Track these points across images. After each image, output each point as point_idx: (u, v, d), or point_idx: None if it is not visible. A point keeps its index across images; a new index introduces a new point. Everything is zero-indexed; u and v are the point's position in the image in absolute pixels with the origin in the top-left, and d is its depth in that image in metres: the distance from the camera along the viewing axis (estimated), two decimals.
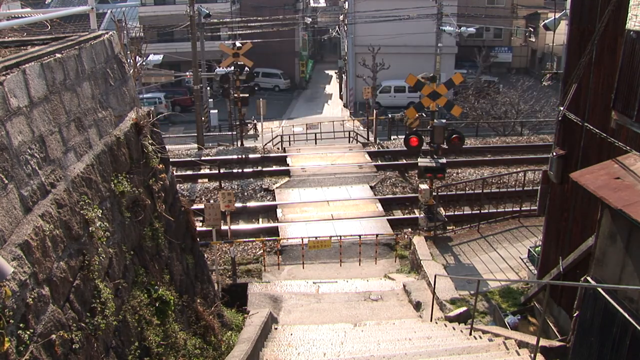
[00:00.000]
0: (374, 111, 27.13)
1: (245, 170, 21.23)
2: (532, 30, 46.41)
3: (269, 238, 15.65)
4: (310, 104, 42.82)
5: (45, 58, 5.26)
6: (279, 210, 17.64)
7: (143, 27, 37.43)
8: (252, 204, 18.30)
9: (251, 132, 26.76)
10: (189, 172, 20.96)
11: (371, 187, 19.29)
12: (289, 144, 26.79)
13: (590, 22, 8.10)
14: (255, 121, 26.71)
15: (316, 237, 14.48)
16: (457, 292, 11.81)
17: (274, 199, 18.60)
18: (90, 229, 5.39)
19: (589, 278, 6.77)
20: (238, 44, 24.45)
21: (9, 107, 4.43)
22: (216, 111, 33.47)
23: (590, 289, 6.59)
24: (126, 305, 5.98)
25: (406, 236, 15.79)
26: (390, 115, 28.65)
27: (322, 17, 57.94)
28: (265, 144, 24.99)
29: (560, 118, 9.08)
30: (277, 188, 19.34)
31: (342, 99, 42.95)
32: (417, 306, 11.99)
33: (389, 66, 33.28)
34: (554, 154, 9.11)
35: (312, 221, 16.93)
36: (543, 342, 7.26)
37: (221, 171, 20.18)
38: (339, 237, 14.51)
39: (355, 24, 37.39)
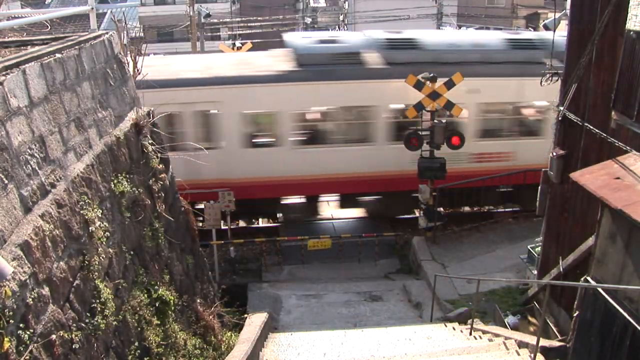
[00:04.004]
0: None
1: None
2: (532, 30, 46.37)
3: (269, 238, 15.64)
4: None
5: (45, 58, 5.26)
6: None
7: (143, 27, 37.40)
8: None
9: None
10: None
11: None
12: None
13: (590, 22, 8.09)
14: None
15: (316, 237, 14.47)
16: (457, 292, 11.81)
17: None
18: (90, 229, 5.38)
19: (589, 278, 6.77)
20: (238, 44, 24.42)
21: (9, 107, 4.43)
22: None
23: (590, 289, 6.59)
24: (126, 305, 5.98)
25: (406, 236, 15.77)
26: None
27: (322, 17, 57.86)
28: None
29: (560, 118, 9.08)
30: None
31: None
32: (417, 306, 11.98)
33: None
34: (554, 154, 9.11)
35: (312, 221, 16.90)
36: (543, 342, 7.25)
37: None
38: (339, 237, 14.50)
39: (355, 24, 37.38)
